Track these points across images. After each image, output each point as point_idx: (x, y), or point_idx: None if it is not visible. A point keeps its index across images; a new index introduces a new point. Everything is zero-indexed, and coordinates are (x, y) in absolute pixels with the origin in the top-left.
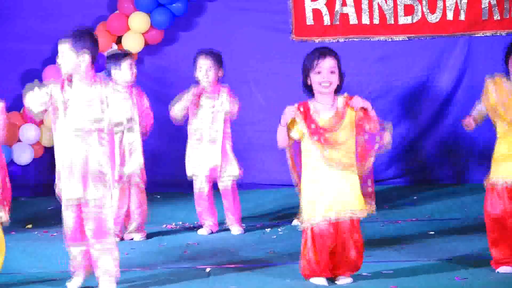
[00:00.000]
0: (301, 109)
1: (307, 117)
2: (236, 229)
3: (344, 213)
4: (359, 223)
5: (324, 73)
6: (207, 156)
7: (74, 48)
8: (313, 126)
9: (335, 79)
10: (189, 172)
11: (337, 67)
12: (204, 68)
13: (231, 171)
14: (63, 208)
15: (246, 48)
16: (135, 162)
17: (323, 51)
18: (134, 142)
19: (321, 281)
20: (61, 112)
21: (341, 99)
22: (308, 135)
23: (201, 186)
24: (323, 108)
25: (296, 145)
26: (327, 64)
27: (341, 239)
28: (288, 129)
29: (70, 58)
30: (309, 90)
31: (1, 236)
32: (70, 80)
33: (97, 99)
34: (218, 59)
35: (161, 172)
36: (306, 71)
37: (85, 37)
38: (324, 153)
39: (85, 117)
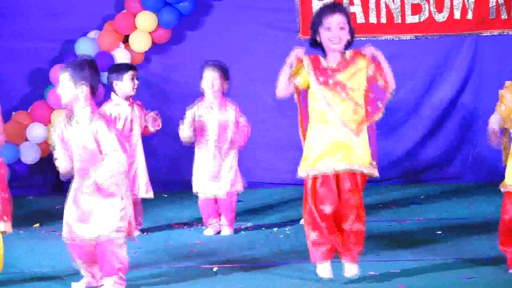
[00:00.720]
0: (311, 57)
1: (316, 64)
2: (227, 231)
3: (350, 166)
4: (363, 186)
5: (334, 29)
6: (212, 171)
7: (72, 79)
8: (321, 67)
9: (344, 35)
10: (195, 188)
11: (347, 23)
12: (210, 80)
13: (234, 187)
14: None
15: (253, 47)
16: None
17: (332, 7)
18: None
19: (326, 268)
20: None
21: (349, 51)
22: (315, 77)
23: (205, 196)
24: (332, 57)
25: (303, 98)
26: (336, 20)
27: (343, 200)
28: (292, 77)
29: (69, 88)
30: (318, 47)
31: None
32: (70, 115)
33: (92, 140)
34: (224, 72)
35: (167, 171)
36: (315, 26)
37: (84, 68)
38: (332, 107)
39: (83, 158)
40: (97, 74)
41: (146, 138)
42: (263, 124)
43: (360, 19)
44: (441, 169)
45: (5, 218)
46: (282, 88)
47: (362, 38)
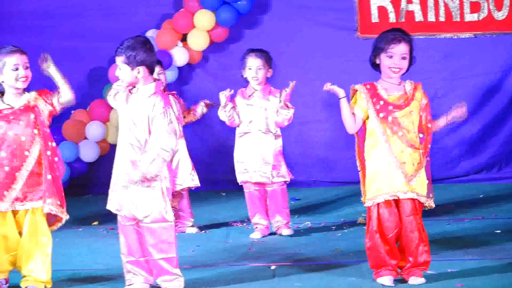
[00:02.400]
0: (368, 86)
1: (374, 94)
2: (286, 231)
3: (411, 194)
4: (421, 211)
5: (396, 58)
6: (257, 159)
7: (128, 62)
8: (381, 102)
9: (405, 65)
10: (239, 178)
11: (409, 52)
12: (254, 68)
13: (281, 175)
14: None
15: (311, 46)
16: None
17: (398, 36)
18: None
19: (388, 280)
20: (120, 121)
21: (409, 83)
22: (375, 112)
23: (250, 190)
24: (390, 86)
25: (361, 131)
26: (400, 50)
27: (405, 222)
28: (352, 108)
29: (126, 71)
30: (376, 68)
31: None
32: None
33: (145, 118)
34: (268, 59)
35: (226, 170)
36: (377, 50)
37: (138, 49)
38: (389, 139)
39: (135, 134)
40: (152, 53)
41: (207, 136)
42: (321, 123)
43: (418, 17)
44: (500, 169)
45: (59, 202)
46: (351, 125)
47: (420, 37)
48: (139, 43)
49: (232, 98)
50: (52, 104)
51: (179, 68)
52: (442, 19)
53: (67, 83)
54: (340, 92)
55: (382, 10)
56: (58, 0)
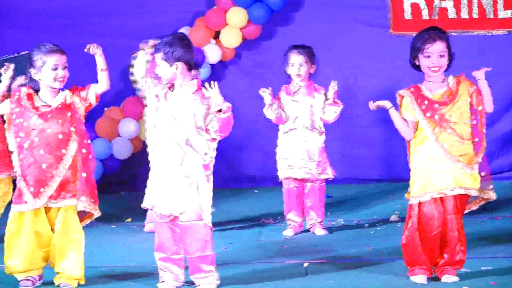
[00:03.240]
0: (412, 89)
1: (419, 96)
2: (321, 231)
3: (459, 190)
4: (463, 210)
5: (434, 57)
6: (303, 156)
7: (166, 59)
8: (426, 102)
9: (444, 62)
10: (282, 174)
11: (446, 50)
12: (297, 65)
13: (326, 172)
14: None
15: (344, 43)
16: None
17: (433, 35)
18: None
19: (421, 279)
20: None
21: (451, 78)
22: (421, 112)
23: (290, 186)
24: (434, 85)
25: None
26: (437, 48)
27: (447, 220)
28: (401, 114)
29: (165, 68)
30: (417, 69)
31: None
32: (170, 88)
33: (189, 115)
34: (310, 55)
35: (258, 167)
36: (414, 52)
37: (176, 45)
38: (439, 137)
39: (176, 131)
40: (190, 49)
41: (241, 135)
42: (354, 120)
43: (451, 14)
44: None
45: (93, 200)
46: (406, 131)
47: (453, 34)
48: (177, 40)
49: (275, 95)
50: (86, 99)
51: (211, 65)
52: (475, 16)
53: (107, 72)
54: (387, 104)
55: (415, 7)
56: None
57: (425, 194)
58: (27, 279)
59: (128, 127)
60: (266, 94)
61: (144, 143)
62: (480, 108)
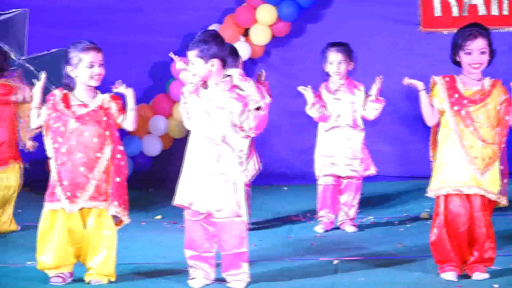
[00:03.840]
0: (447, 79)
1: (451, 87)
2: (351, 228)
3: (477, 190)
4: (492, 208)
5: (475, 54)
6: (347, 153)
7: (201, 56)
8: (456, 95)
9: (485, 59)
10: (322, 172)
11: (487, 46)
12: (336, 63)
13: (369, 169)
14: None
15: (373, 40)
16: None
17: (474, 32)
18: None
19: (451, 276)
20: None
21: (488, 80)
22: (449, 105)
23: (327, 183)
24: (469, 81)
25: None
26: (478, 45)
27: (474, 217)
28: (430, 99)
29: (200, 65)
30: (457, 65)
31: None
32: (204, 86)
33: (225, 113)
34: (349, 52)
35: (287, 164)
36: (455, 48)
37: (211, 42)
38: (461, 134)
39: (211, 128)
40: (224, 46)
41: (269, 132)
42: (383, 117)
43: (481, 11)
44: None
45: (124, 207)
46: (429, 116)
47: None
48: (211, 37)
49: (315, 93)
50: (119, 113)
51: None
52: (505, 12)
53: (135, 114)
54: (419, 85)
55: (445, 3)
56: None
57: (441, 188)
58: (58, 276)
59: (158, 124)
60: (308, 92)
61: (174, 140)
62: (507, 118)
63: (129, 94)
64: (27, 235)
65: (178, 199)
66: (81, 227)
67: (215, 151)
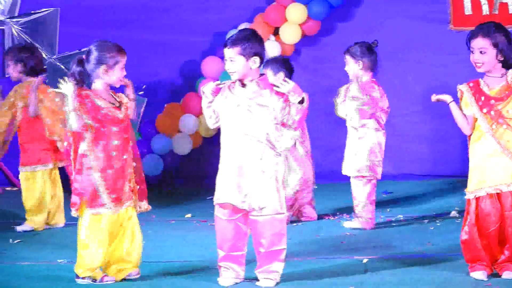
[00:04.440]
0: (471, 84)
1: (477, 91)
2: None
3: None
4: None
5: (476, 53)
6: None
7: (244, 53)
8: (483, 98)
9: (486, 59)
10: (371, 170)
11: (489, 46)
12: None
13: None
14: None
15: (404, 39)
16: None
17: (476, 31)
18: None
19: (481, 275)
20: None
21: (511, 73)
22: (478, 109)
23: (372, 181)
24: (492, 80)
25: None
26: (477, 44)
27: (505, 216)
28: (462, 109)
29: (241, 62)
30: None
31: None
32: (241, 83)
33: (265, 110)
34: (353, 54)
35: (316, 163)
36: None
37: (252, 40)
38: (495, 133)
39: (250, 125)
40: (263, 45)
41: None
42: (413, 116)
43: None
44: None
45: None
46: (464, 126)
47: None
48: (251, 35)
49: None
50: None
51: None
52: None
53: (135, 103)
54: (447, 98)
55: (475, 2)
56: None
57: (481, 189)
58: (106, 275)
59: (188, 123)
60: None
61: (204, 139)
62: None
63: (129, 85)
64: (56, 234)
65: (220, 198)
66: (118, 227)
67: (258, 148)
